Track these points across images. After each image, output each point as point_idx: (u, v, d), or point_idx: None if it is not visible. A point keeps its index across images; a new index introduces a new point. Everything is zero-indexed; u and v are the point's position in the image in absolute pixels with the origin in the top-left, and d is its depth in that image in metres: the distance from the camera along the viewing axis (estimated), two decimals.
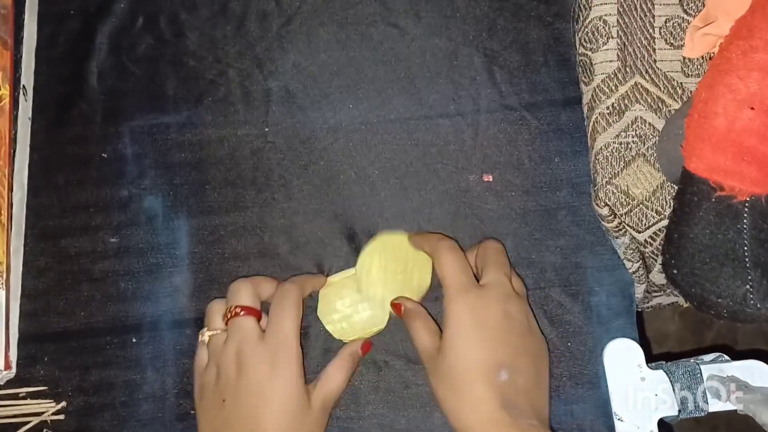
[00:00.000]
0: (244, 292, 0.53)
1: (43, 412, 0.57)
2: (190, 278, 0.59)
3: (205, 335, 0.53)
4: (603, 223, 0.55)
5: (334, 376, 0.53)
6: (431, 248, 0.54)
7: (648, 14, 0.55)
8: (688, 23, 0.54)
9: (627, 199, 0.53)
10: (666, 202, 0.52)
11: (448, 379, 0.49)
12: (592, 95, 0.55)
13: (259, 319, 0.53)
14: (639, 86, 0.54)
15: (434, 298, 0.57)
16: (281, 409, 0.49)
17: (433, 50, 0.62)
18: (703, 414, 0.53)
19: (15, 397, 0.58)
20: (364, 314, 0.57)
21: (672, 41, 0.54)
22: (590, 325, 0.57)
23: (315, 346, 0.57)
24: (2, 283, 0.57)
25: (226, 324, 0.53)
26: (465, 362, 0.48)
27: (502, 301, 0.51)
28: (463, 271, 0.51)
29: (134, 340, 0.58)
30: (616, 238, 0.55)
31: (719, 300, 0.45)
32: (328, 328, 0.57)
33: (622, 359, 0.54)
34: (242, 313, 0.52)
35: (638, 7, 0.55)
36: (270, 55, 0.63)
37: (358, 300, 0.57)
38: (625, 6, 0.55)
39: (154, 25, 0.64)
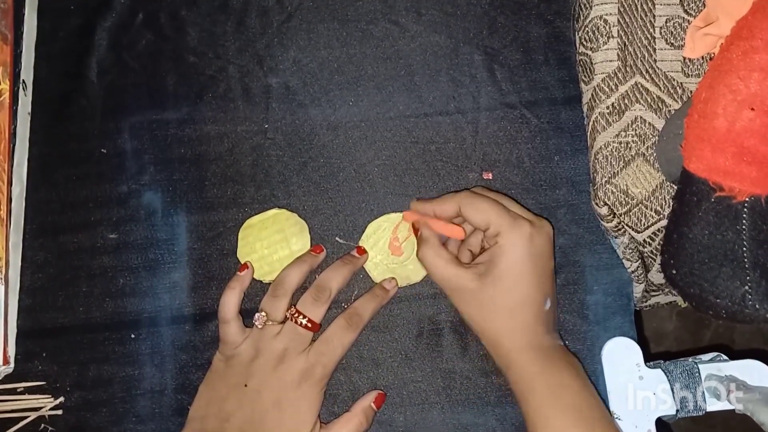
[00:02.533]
0: (319, 305, 0.55)
1: (41, 407, 0.57)
2: (189, 274, 0.59)
3: (261, 321, 0.54)
4: (602, 222, 0.55)
5: (341, 431, 0.54)
6: (456, 204, 0.54)
7: (649, 14, 0.55)
8: (689, 23, 0.54)
9: (626, 199, 0.53)
10: (665, 201, 0.52)
11: (497, 310, 0.51)
12: (592, 94, 0.55)
13: (315, 332, 0.55)
14: (639, 86, 0.54)
15: (433, 296, 0.58)
16: (289, 422, 0.52)
17: (433, 48, 0.62)
18: (701, 413, 0.53)
19: (13, 392, 0.58)
20: (282, 253, 0.58)
21: (672, 41, 0.54)
22: (588, 324, 0.57)
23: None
24: (1, 279, 0.57)
25: (284, 320, 0.55)
26: (518, 293, 0.51)
27: (546, 232, 0.53)
28: (505, 209, 0.52)
29: (133, 335, 0.58)
30: (615, 237, 0.55)
31: (718, 300, 0.45)
32: None
33: (621, 358, 0.54)
34: (305, 324, 0.54)
35: (639, 6, 0.55)
36: (270, 52, 0.63)
37: (277, 240, 0.58)
38: (625, 5, 0.55)
39: (155, 21, 0.64)
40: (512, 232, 0.51)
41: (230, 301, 0.55)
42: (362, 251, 0.58)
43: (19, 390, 0.58)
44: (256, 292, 0.58)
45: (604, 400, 0.54)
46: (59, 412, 0.57)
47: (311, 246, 0.59)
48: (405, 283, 0.58)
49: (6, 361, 0.57)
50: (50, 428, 0.57)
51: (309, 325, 0.54)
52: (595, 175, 0.54)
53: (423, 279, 0.58)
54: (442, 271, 0.52)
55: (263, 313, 0.54)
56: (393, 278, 0.58)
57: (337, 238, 0.59)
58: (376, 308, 0.56)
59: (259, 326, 0.54)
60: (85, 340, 0.59)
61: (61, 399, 0.57)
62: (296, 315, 0.54)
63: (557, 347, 0.52)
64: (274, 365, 0.53)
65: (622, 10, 0.55)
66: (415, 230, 0.56)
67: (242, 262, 0.58)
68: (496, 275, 0.50)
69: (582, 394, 0.49)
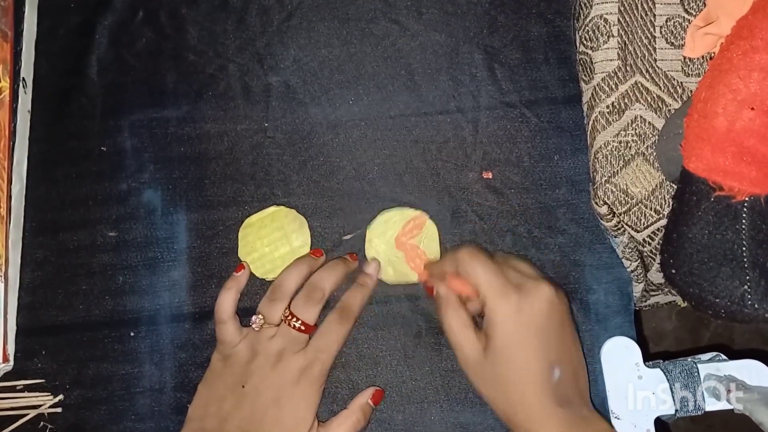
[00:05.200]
0: (312, 305, 0.54)
1: (40, 405, 0.57)
2: (189, 273, 0.59)
3: (258, 324, 0.54)
4: (602, 221, 0.55)
5: (339, 428, 0.54)
6: (455, 263, 0.53)
7: (649, 13, 0.55)
8: (689, 23, 0.54)
9: (626, 198, 0.53)
10: (665, 201, 0.52)
11: (500, 384, 0.49)
12: (592, 94, 0.55)
13: (310, 334, 0.55)
14: (639, 85, 0.54)
15: None
16: (288, 420, 0.52)
17: (433, 47, 0.62)
18: (700, 413, 0.53)
19: (12, 389, 0.58)
20: (283, 250, 0.58)
21: (673, 40, 0.54)
22: (588, 323, 0.57)
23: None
24: (0, 276, 0.57)
25: (280, 322, 0.54)
26: (516, 368, 0.48)
27: (541, 298, 0.50)
28: (497, 275, 0.50)
29: (132, 333, 0.58)
30: (615, 236, 0.55)
31: (717, 300, 0.45)
32: (250, 267, 0.58)
33: (620, 357, 0.54)
34: (299, 327, 0.54)
35: (639, 6, 0.55)
36: (270, 50, 0.63)
37: (277, 238, 0.58)
38: (626, 5, 0.55)
39: (155, 19, 0.64)
40: (497, 303, 0.49)
41: (226, 302, 0.55)
42: (356, 259, 0.58)
43: (18, 388, 0.58)
44: (256, 290, 0.58)
45: (603, 399, 0.54)
46: (58, 410, 0.57)
47: (311, 241, 0.58)
48: (404, 280, 0.58)
49: (5, 359, 0.57)
50: (49, 426, 0.57)
51: (302, 327, 0.54)
52: (594, 174, 0.54)
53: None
54: (457, 336, 0.51)
55: (260, 316, 0.54)
56: (375, 259, 0.58)
57: (343, 237, 0.59)
58: (365, 297, 0.56)
59: (256, 329, 0.54)
60: (85, 338, 0.59)
61: (61, 397, 0.57)
62: (290, 318, 0.54)
63: (575, 422, 0.48)
64: (272, 364, 0.53)
65: (622, 9, 0.55)
66: (429, 289, 0.56)
67: (242, 262, 0.58)
68: (492, 347, 0.49)
69: None
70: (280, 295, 0.55)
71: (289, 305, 0.55)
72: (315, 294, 0.55)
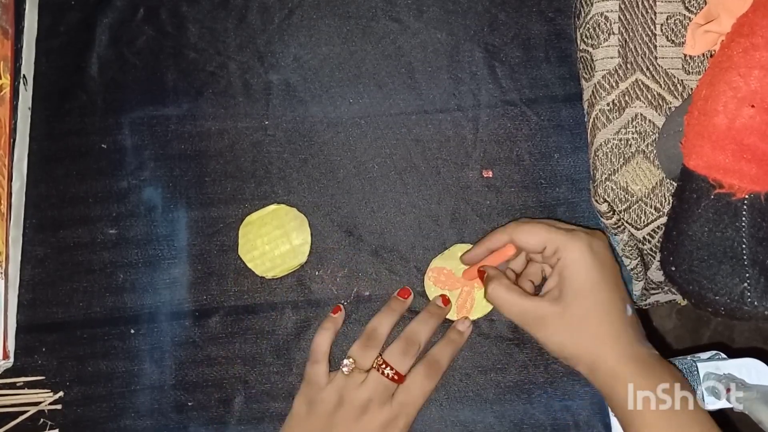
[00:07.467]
0: (408, 358, 0.54)
1: (40, 402, 0.57)
2: (189, 270, 0.59)
3: (349, 368, 0.54)
4: (602, 219, 0.55)
5: None
6: (507, 235, 0.53)
7: (650, 11, 0.55)
8: (690, 20, 0.54)
9: (626, 196, 0.53)
10: (665, 199, 0.52)
11: (583, 323, 0.49)
12: (593, 91, 0.55)
13: (400, 384, 0.54)
14: (639, 83, 0.54)
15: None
16: None
17: (434, 45, 0.62)
18: None
19: (12, 386, 0.58)
20: (283, 248, 0.58)
21: (673, 38, 0.54)
22: None
23: None
24: (1, 273, 0.57)
25: (370, 369, 0.54)
26: (598, 305, 0.49)
27: (603, 237, 0.52)
28: (553, 224, 0.52)
29: (132, 331, 0.59)
30: (615, 234, 0.55)
31: (717, 297, 0.45)
32: (250, 266, 0.58)
33: None
34: (392, 376, 0.53)
35: (640, 3, 0.55)
36: (271, 48, 0.63)
37: (277, 236, 0.58)
38: (626, 2, 0.55)
39: (155, 16, 0.64)
40: (571, 244, 0.49)
41: (323, 342, 0.55)
42: (446, 301, 0.57)
43: (18, 384, 0.58)
44: (257, 288, 0.58)
45: (602, 398, 0.54)
46: (58, 406, 0.57)
47: (311, 239, 0.58)
48: (481, 314, 0.58)
49: (6, 356, 0.57)
50: (49, 423, 0.57)
51: (396, 377, 0.53)
52: (595, 172, 0.54)
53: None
54: (519, 306, 0.51)
55: (351, 360, 0.54)
56: (467, 318, 0.57)
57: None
58: (455, 353, 0.56)
59: (346, 372, 0.54)
60: (85, 335, 0.59)
61: (61, 394, 0.58)
62: (383, 366, 0.53)
63: (657, 358, 0.49)
64: (357, 416, 0.52)
65: (623, 7, 0.55)
66: (482, 276, 0.55)
67: (244, 259, 0.58)
68: (572, 291, 0.49)
69: (696, 423, 0.46)
70: (374, 342, 0.55)
71: (380, 352, 0.55)
72: (411, 348, 0.54)
